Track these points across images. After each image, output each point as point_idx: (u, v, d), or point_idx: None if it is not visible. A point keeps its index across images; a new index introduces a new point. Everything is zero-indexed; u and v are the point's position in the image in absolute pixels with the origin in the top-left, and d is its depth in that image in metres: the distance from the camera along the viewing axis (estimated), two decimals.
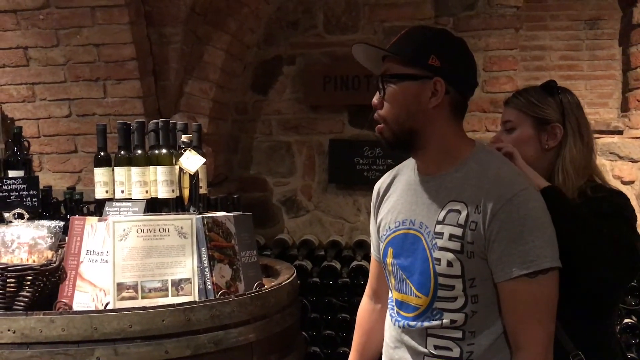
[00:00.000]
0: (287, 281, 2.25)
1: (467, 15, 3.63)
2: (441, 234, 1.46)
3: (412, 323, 1.52)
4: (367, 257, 3.51)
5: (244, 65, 3.92)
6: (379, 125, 1.54)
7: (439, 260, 1.45)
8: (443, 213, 1.47)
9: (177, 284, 1.95)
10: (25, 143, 2.55)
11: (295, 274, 2.38)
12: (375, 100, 1.53)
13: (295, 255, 3.64)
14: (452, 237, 1.44)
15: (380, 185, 1.73)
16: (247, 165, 4.07)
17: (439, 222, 1.47)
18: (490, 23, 3.63)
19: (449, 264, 1.44)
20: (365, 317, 1.85)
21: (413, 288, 1.51)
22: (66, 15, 3.04)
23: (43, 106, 3.29)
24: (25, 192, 2.38)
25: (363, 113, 3.84)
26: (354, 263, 3.53)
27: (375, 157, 3.76)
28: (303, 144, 3.97)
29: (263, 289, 2.10)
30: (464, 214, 1.43)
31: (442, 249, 1.45)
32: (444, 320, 1.46)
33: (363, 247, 3.62)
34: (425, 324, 1.49)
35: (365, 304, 1.86)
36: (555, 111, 1.74)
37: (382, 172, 3.54)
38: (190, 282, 1.98)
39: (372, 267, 1.84)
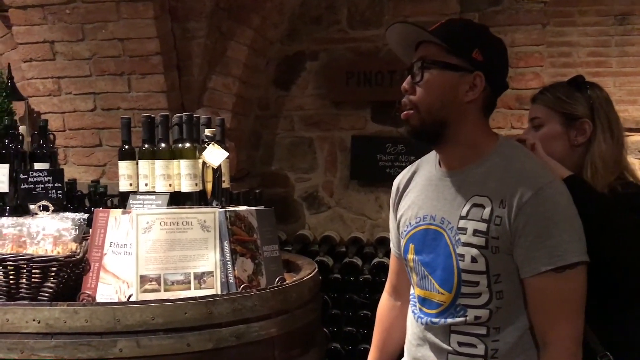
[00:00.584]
0: (309, 276, 2.24)
1: (493, 10, 3.58)
2: (465, 229, 1.43)
3: (435, 320, 1.49)
4: (389, 254, 3.47)
5: (266, 61, 3.92)
6: (407, 112, 1.49)
7: (462, 256, 1.43)
8: (466, 208, 1.44)
9: (200, 277, 1.96)
10: (51, 136, 2.58)
11: (316, 269, 2.37)
12: (406, 84, 1.49)
13: (317, 251, 3.63)
14: (476, 232, 1.41)
15: (399, 180, 1.70)
16: (268, 161, 4.07)
17: (462, 218, 1.44)
18: (517, 19, 3.57)
19: (473, 259, 1.41)
20: (385, 313, 1.83)
21: (436, 284, 1.49)
22: (92, 10, 3.07)
23: (68, 100, 3.32)
24: (50, 185, 2.40)
25: (386, 109, 3.81)
26: (376, 260, 3.51)
27: (397, 154, 3.73)
28: (325, 140, 3.95)
29: (285, 283, 2.10)
30: (488, 208, 1.41)
31: (465, 244, 1.42)
32: (468, 317, 1.44)
33: (384, 244, 3.59)
34: (449, 320, 1.47)
35: (385, 301, 1.85)
36: (584, 106, 1.70)
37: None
38: (213, 276, 1.97)
39: (392, 264, 1.82)
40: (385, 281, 1.89)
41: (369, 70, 3.71)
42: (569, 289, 1.37)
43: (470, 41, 1.45)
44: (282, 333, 2.00)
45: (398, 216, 1.67)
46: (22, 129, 2.58)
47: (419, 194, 1.59)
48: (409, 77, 1.48)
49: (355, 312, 3.47)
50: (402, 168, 3.61)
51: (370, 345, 1.89)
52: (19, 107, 3.24)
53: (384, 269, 3.41)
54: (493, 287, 1.42)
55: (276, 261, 2.19)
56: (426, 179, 1.59)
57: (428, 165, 1.61)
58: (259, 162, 4.07)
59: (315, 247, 3.69)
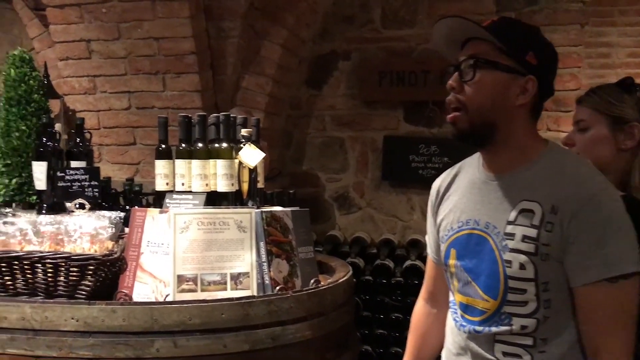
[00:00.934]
0: (344, 279, 2.21)
1: (531, 10, 3.52)
2: (512, 235, 1.39)
3: (478, 328, 1.45)
4: (422, 257, 3.46)
5: (299, 60, 3.90)
6: (454, 114, 1.44)
7: (509, 262, 1.39)
8: (514, 213, 1.40)
9: (236, 278, 1.95)
10: (87, 134, 2.59)
11: (351, 271, 2.35)
12: (453, 82, 1.44)
13: (347, 253, 3.61)
14: (525, 238, 1.37)
15: (440, 183, 1.66)
16: (299, 161, 4.06)
17: (509, 223, 1.40)
18: (555, 18, 3.50)
19: (522, 266, 1.37)
20: (421, 320, 1.79)
21: (479, 291, 1.45)
22: (128, 9, 3.08)
23: (103, 98, 3.35)
24: (87, 183, 2.41)
25: (419, 109, 3.77)
26: (408, 262, 3.47)
27: (431, 155, 3.69)
28: (356, 140, 3.93)
29: (320, 286, 2.07)
30: (538, 214, 1.36)
31: (513, 250, 1.38)
32: (514, 326, 1.40)
33: (417, 247, 3.56)
34: (494, 329, 1.43)
35: (420, 307, 1.81)
36: (634, 109, 1.65)
37: (438, 170, 3.45)
38: (249, 276, 1.96)
39: (429, 269, 1.78)
40: (417, 285, 1.86)
41: (402, 70, 3.67)
42: (622, 300, 1.32)
43: (525, 43, 1.41)
44: (317, 336, 1.97)
45: (438, 220, 1.63)
46: (57, 127, 2.60)
47: (461, 197, 1.55)
48: (457, 74, 1.44)
49: (386, 314, 3.44)
50: (436, 169, 3.63)
51: (402, 348, 1.86)
52: (54, 105, 3.27)
53: (416, 272, 3.37)
54: (541, 295, 1.37)
55: (311, 263, 2.18)
56: (469, 182, 1.55)
57: (471, 168, 1.57)
58: (290, 161, 4.06)
59: (345, 248, 3.67)
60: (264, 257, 1.98)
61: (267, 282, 1.97)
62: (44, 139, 2.43)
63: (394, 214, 3.90)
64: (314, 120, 4.00)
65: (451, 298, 1.59)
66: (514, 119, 1.42)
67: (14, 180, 2.45)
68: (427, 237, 1.74)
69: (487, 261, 1.43)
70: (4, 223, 2.08)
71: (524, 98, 1.40)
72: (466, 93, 1.42)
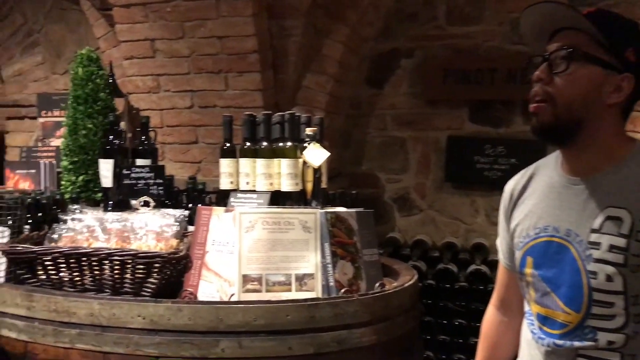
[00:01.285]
0: (410, 283, 2.15)
1: (607, 4, 3.34)
2: (598, 244, 1.29)
3: (559, 342, 1.36)
4: (487, 262, 3.34)
5: (360, 59, 3.84)
6: (538, 104, 1.35)
7: (595, 273, 1.29)
8: (599, 220, 1.30)
9: (301, 279, 1.91)
10: (152, 133, 2.62)
11: (416, 275, 2.28)
12: (542, 73, 1.34)
13: (408, 255, 3.53)
14: (612, 248, 1.27)
15: (513, 186, 1.56)
16: (358, 161, 4.00)
17: (594, 231, 1.30)
18: (634, 12, 3.30)
19: (609, 278, 1.27)
20: (492, 328, 1.70)
21: (560, 302, 1.36)
22: (192, 8, 3.10)
23: (167, 97, 3.38)
24: (151, 181, 2.43)
25: (485, 109, 3.65)
26: (472, 267, 3.36)
27: (497, 156, 3.57)
28: (418, 140, 3.83)
29: (386, 289, 2.02)
30: (627, 222, 1.26)
31: (599, 261, 1.28)
32: (599, 341, 1.30)
33: (481, 251, 3.44)
34: (577, 343, 1.33)
35: (491, 315, 1.72)
36: None
37: (505, 172, 3.30)
38: (314, 278, 1.92)
39: (501, 275, 1.68)
40: (482, 290, 1.77)
41: (467, 68, 3.57)
42: None
43: (625, 38, 1.31)
44: (382, 341, 1.92)
45: (512, 225, 1.53)
46: (122, 125, 2.64)
47: (538, 201, 1.45)
48: (545, 65, 1.34)
49: (449, 320, 3.34)
50: (502, 171, 3.49)
51: (465, 355, 1.78)
52: (119, 104, 3.33)
53: (481, 277, 3.26)
54: (631, 309, 1.27)
55: (375, 265, 2.13)
56: (546, 185, 1.45)
57: (548, 170, 1.47)
58: (349, 161, 4.01)
59: (406, 251, 3.59)
60: (328, 259, 1.94)
61: (331, 284, 1.93)
62: (111, 137, 2.46)
63: (456, 217, 3.78)
64: (374, 120, 3.93)
65: (527, 308, 1.50)
66: (603, 118, 1.32)
67: (80, 178, 2.50)
68: (498, 242, 1.65)
69: (568, 271, 1.34)
70: (72, 219, 2.12)
71: (618, 97, 1.30)
72: (556, 85, 1.32)
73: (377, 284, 2.02)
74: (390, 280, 2.30)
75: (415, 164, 3.87)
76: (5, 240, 2.13)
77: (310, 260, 1.93)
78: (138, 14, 3.21)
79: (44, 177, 3.18)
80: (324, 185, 2.29)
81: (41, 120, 3.53)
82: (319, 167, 2.18)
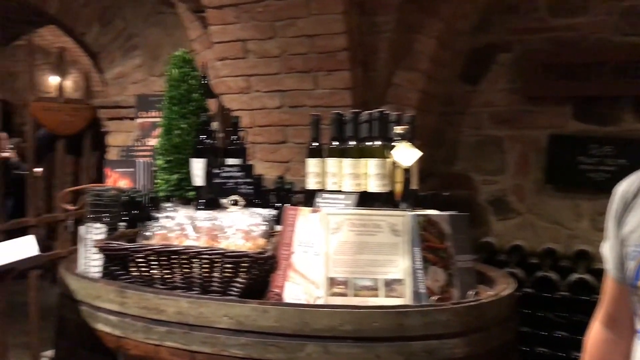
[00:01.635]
0: (507, 292, 2.01)
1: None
2: None
3: None
4: (591, 271, 3.11)
5: (453, 54, 3.69)
6: None
7: None
8: None
9: (389, 285, 1.83)
10: (242, 133, 2.63)
11: (514, 284, 2.13)
12: None
13: (505, 262, 3.34)
14: None
15: (626, 188, 1.39)
16: (451, 161, 3.84)
17: None
18: None
19: None
20: (598, 348, 1.53)
21: None
22: (282, 7, 3.09)
23: (257, 97, 3.40)
24: (241, 180, 2.44)
25: (591, 105, 3.39)
26: (575, 276, 3.14)
27: (603, 156, 3.30)
28: (516, 139, 3.62)
29: (481, 298, 1.90)
30: None
31: None
32: None
33: (585, 259, 3.21)
34: None
35: (597, 331, 1.54)
36: None
37: (612, 174, 3.03)
38: (403, 284, 1.84)
39: (609, 287, 1.51)
40: (586, 301, 1.60)
41: (571, 62, 3.34)
42: None
43: None
44: (476, 353, 1.81)
45: (624, 232, 1.37)
46: (214, 125, 2.67)
47: None
48: None
49: (549, 332, 3.13)
50: (609, 172, 3.22)
51: None
52: (212, 105, 3.39)
53: (584, 287, 3.03)
54: None
55: (469, 272, 2.01)
56: None
57: None
58: (441, 161, 3.86)
59: (502, 257, 3.40)
60: (419, 264, 1.85)
61: (422, 291, 1.84)
62: (202, 136, 2.50)
63: (557, 221, 3.54)
64: (468, 118, 3.76)
65: (638, 327, 1.34)
66: None
67: (174, 176, 2.54)
68: (604, 250, 1.48)
69: None
70: (165, 217, 2.16)
71: None
72: None
73: (471, 292, 1.91)
74: (485, 288, 2.17)
75: (512, 165, 3.66)
76: (101, 236, 2.21)
77: (399, 265, 1.84)
78: (230, 14, 3.25)
79: (141, 175, 3.29)
80: (414, 186, 2.19)
81: (139, 120, 3.66)
82: (409, 167, 2.09)
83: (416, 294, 1.83)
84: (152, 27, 4.44)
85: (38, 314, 3.79)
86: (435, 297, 1.81)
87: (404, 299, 1.81)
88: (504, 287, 2.07)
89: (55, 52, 5.40)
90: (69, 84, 8.71)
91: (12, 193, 6.51)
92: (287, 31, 3.14)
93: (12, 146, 7.33)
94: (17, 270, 1.84)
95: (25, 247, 1.82)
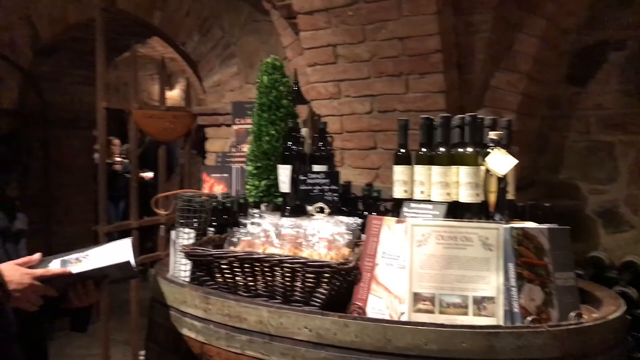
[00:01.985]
0: (616, 315, 1.81)
1: None
2: None
3: None
4: None
5: (559, 54, 3.43)
6: None
7: None
8: None
9: (479, 302, 1.70)
10: (329, 138, 2.59)
11: (624, 306, 1.92)
12: None
13: (615, 279, 3.05)
14: None
15: None
16: (555, 168, 3.57)
17: None
18: None
19: None
20: None
21: None
22: (373, 10, 3.02)
23: (347, 103, 3.35)
24: (327, 187, 2.40)
25: None
26: None
27: None
28: (631, 145, 3.30)
29: (584, 321, 1.72)
30: None
31: None
32: None
33: None
34: None
35: None
36: None
37: None
38: (494, 302, 1.70)
39: None
40: None
41: None
42: None
43: None
44: None
45: None
46: (304, 131, 2.65)
47: None
48: None
49: None
50: None
51: None
52: (302, 111, 3.38)
53: None
54: None
55: (571, 291, 1.84)
56: None
57: None
58: (544, 169, 3.60)
59: (613, 274, 3.11)
60: (513, 281, 1.71)
61: (515, 310, 1.70)
62: (289, 143, 2.48)
63: None
64: (575, 122, 3.48)
65: None
66: None
67: (263, 182, 2.54)
68: None
69: None
70: (252, 224, 2.15)
71: None
72: None
73: (573, 314, 1.74)
74: (590, 308, 1.98)
75: (626, 173, 3.34)
76: (190, 241, 2.24)
77: (490, 282, 1.71)
78: (321, 20, 3.22)
79: (235, 181, 3.34)
80: (510, 196, 2.04)
81: (235, 127, 3.73)
82: (504, 175, 1.95)
83: (509, 314, 1.70)
84: (248, 35, 4.53)
85: (138, 313, 3.96)
86: (530, 318, 1.67)
87: (495, 318, 1.69)
88: (612, 308, 1.87)
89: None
90: (176, 92, 9.14)
91: (124, 196, 6.93)
92: (377, 34, 3.06)
93: (124, 149, 7.84)
94: (110, 278, 1.88)
95: (120, 251, 1.85)
